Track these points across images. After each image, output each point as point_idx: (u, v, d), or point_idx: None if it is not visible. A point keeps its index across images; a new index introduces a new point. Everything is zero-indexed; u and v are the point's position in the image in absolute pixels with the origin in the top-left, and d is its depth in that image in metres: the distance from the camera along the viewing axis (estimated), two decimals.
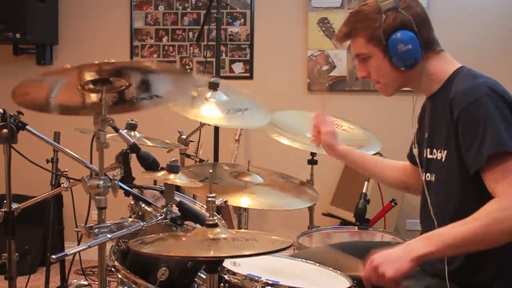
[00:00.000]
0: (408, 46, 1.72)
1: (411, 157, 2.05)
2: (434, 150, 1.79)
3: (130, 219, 1.84)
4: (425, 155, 1.84)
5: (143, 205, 2.01)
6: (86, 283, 2.60)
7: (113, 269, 1.98)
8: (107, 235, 1.66)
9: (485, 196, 1.60)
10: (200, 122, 3.06)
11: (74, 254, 1.70)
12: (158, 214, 1.89)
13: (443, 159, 1.75)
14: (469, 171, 1.63)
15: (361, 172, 2.22)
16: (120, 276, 1.96)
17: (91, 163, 1.95)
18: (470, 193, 1.67)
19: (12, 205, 2.03)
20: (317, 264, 2.01)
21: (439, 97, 1.77)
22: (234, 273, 1.79)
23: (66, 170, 2.33)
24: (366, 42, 1.79)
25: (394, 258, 1.57)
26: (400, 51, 1.72)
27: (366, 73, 1.84)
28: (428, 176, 1.82)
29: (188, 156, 3.12)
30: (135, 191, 1.98)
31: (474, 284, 1.70)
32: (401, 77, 1.79)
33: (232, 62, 4.43)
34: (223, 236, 1.56)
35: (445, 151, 1.74)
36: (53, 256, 1.54)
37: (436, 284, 1.74)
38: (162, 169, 1.89)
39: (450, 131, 1.69)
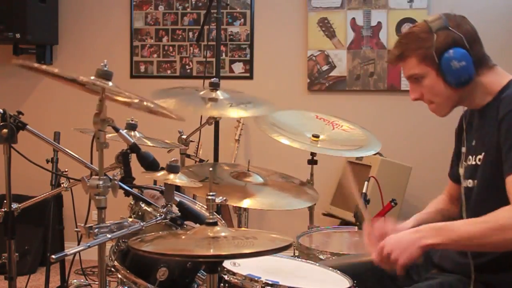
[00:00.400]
0: (461, 63, 1.72)
1: (455, 176, 1.99)
2: (480, 156, 1.78)
3: (130, 219, 1.84)
4: (470, 162, 1.83)
5: (143, 205, 2.01)
6: (86, 283, 2.61)
7: (113, 269, 1.98)
8: (107, 235, 1.66)
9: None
10: (200, 122, 3.06)
11: (74, 254, 1.70)
12: (158, 214, 1.89)
13: (480, 163, 1.76)
14: (503, 174, 1.64)
15: None
16: (120, 276, 1.96)
17: (91, 163, 1.95)
18: (501, 199, 1.66)
19: (12, 205, 2.03)
20: (317, 264, 2.01)
21: (491, 109, 1.77)
22: (234, 273, 1.79)
23: (66, 170, 2.33)
24: (418, 62, 1.78)
25: (404, 245, 1.63)
26: (454, 68, 1.72)
27: (419, 94, 1.83)
28: (470, 183, 1.81)
29: (188, 156, 3.12)
30: (135, 191, 1.98)
31: (497, 282, 1.71)
32: (455, 95, 1.78)
33: (232, 62, 4.43)
34: (223, 234, 1.56)
35: (483, 153, 1.75)
36: (53, 256, 1.54)
37: (451, 280, 1.75)
38: (162, 169, 1.89)
39: (493, 134, 1.70)
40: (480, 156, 1.76)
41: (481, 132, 1.80)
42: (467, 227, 1.62)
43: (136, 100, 1.71)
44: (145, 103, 1.73)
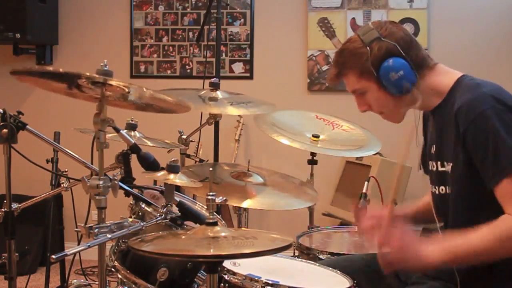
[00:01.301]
0: (399, 73, 1.71)
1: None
2: (445, 163, 1.77)
3: (130, 219, 1.84)
4: (435, 168, 1.82)
5: (143, 205, 2.01)
6: (86, 283, 2.61)
7: (113, 269, 1.98)
8: (107, 235, 1.66)
9: (497, 209, 1.61)
10: (200, 122, 3.06)
11: (74, 254, 1.70)
12: (158, 214, 1.89)
13: (449, 172, 1.74)
14: (488, 186, 1.63)
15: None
16: (120, 276, 1.96)
17: (91, 163, 1.95)
18: (481, 205, 1.67)
19: (12, 205, 2.03)
20: (317, 264, 2.01)
21: (443, 110, 1.76)
22: (234, 273, 1.79)
23: (66, 170, 2.33)
24: (358, 78, 1.79)
25: (409, 259, 1.63)
26: (393, 79, 1.72)
27: (366, 107, 1.85)
28: (442, 189, 1.80)
29: (188, 156, 3.12)
30: (135, 191, 1.98)
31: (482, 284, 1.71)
32: (401, 102, 1.78)
33: (232, 62, 4.43)
34: (223, 234, 1.56)
35: (451, 164, 1.73)
36: (53, 256, 1.54)
37: (438, 286, 1.74)
38: (162, 169, 1.89)
39: (456, 144, 1.69)
40: (448, 167, 1.74)
41: (440, 139, 1.79)
42: (472, 242, 1.59)
43: (135, 88, 1.71)
44: (145, 89, 1.72)
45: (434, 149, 1.82)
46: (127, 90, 1.72)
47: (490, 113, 1.60)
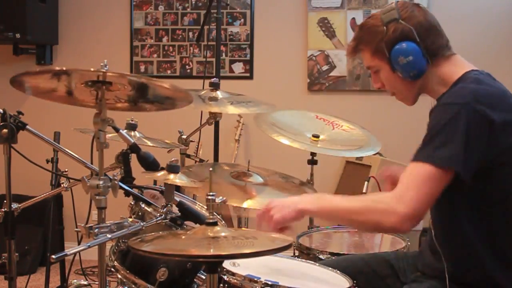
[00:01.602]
0: (408, 58, 1.72)
1: None
2: None
3: (130, 219, 1.84)
4: None
5: (143, 205, 2.01)
6: (86, 283, 2.61)
7: (113, 269, 1.98)
8: (107, 235, 1.66)
9: (476, 204, 1.63)
10: (200, 122, 3.06)
11: (74, 254, 1.70)
12: (158, 214, 1.89)
13: None
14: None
15: None
16: (120, 276, 1.96)
17: (91, 163, 1.95)
18: (459, 201, 1.67)
19: (12, 205, 2.03)
20: (317, 264, 2.01)
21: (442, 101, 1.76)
22: (233, 274, 1.79)
23: (66, 170, 2.33)
24: (372, 56, 1.81)
25: (284, 205, 1.72)
26: (402, 63, 1.73)
27: (380, 84, 1.86)
28: None
29: (188, 156, 3.12)
30: (135, 191, 1.98)
31: (475, 283, 1.71)
32: (412, 86, 1.79)
33: (232, 62, 4.43)
34: (223, 234, 1.56)
35: None
36: (53, 256, 1.54)
37: (437, 286, 1.74)
38: (162, 169, 1.89)
39: None
40: None
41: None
42: (344, 202, 1.68)
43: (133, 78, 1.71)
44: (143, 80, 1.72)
45: None
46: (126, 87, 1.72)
47: (458, 108, 1.60)
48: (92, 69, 1.62)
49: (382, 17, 1.76)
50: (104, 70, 1.60)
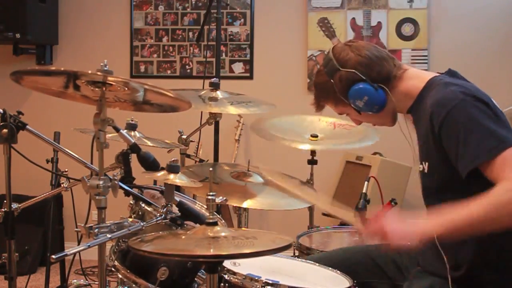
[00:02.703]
0: (364, 98, 1.80)
1: None
2: (425, 166, 1.78)
3: (130, 219, 1.84)
4: (419, 168, 1.84)
5: (143, 205, 2.01)
6: (86, 283, 2.61)
7: (113, 269, 1.98)
8: (107, 235, 1.66)
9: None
10: (200, 122, 3.06)
11: (74, 254, 1.70)
12: (158, 214, 1.89)
13: (425, 170, 1.76)
14: (462, 174, 1.62)
15: None
16: (120, 276, 1.96)
17: (91, 163, 1.95)
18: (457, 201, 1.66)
19: (12, 205, 2.03)
20: (317, 264, 2.01)
21: (416, 112, 1.80)
22: (234, 273, 1.79)
23: (66, 170, 2.33)
24: (335, 107, 1.92)
25: (403, 235, 1.60)
26: (362, 105, 1.81)
27: (358, 122, 1.96)
28: (425, 189, 1.83)
29: (188, 156, 3.12)
30: (135, 191, 1.98)
31: (475, 283, 1.71)
32: (383, 114, 1.86)
33: (232, 62, 4.43)
34: (223, 234, 1.56)
35: (427, 163, 1.75)
36: (53, 256, 1.54)
37: (439, 282, 1.75)
38: (162, 169, 1.89)
39: (431, 143, 1.70)
40: (424, 166, 1.76)
41: (419, 140, 1.82)
42: (465, 210, 1.58)
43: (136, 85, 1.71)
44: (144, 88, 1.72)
45: (417, 150, 1.84)
46: (126, 88, 1.71)
47: (461, 106, 1.62)
48: (98, 73, 1.61)
49: (326, 71, 1.85)
50: (112, 76, 1.60)
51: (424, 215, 1.72)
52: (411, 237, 1.61)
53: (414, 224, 1.63)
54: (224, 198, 1.77)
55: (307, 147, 2.71)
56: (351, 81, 1.79)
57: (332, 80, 1.82)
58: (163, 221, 1.87)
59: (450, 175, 1.67)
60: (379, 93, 1.79)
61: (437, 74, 1.81)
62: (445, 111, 1.64)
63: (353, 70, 1.79)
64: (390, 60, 1.84)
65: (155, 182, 2.57)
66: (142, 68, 4.51)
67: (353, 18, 4.25)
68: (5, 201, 2.03)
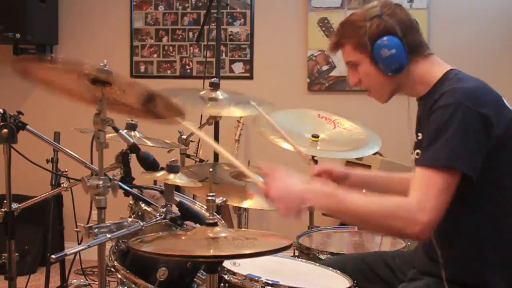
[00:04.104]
0: (392, 51, 1.75)
1: None
2: (419, 151, 1.80)
3: (130, 219, 1.84)
4: (415, 156, 1.84)
5: (143, 205, 2.01)
6: (86, 283, 2.61)
7: (113, 269, 1.98)
8: (107, 235, 1.67)
9: (471, 200, 1.64)
10: (200, 122, 3.06)
11: (74, 254, 1.71)
12: (158, 214, 1.89)
13: None
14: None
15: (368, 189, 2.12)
16: (119, 276, 1.96)
17: (91, 163, 1.95)
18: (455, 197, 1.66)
19: (12, 205, 2.03)
20: (317, 264, 2.01)
21: (427, 100, 1.78)
22: (234, 273, 1.79)
23: (66, 170, 2.33)
24: (353, 50, 1.83)
25: (289, 199, 1.66)
26: (385, 56, 1.76)
27: (357, 79, 1.87)
28: None
29: (188, 156, 3.12)
30: (135, 191, 1.98)
31: (469, 282, 1.71)
32: (390, 82, 1.82)
33: (232, 62, 4.43)
34: (223, 235, 1.56)
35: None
36: (53, 256, 1.54)
37: (434, 282, 1.75)
38: (162, 169, 1.89)
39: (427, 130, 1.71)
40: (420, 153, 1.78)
41: (425, 127, 1.80)
42: (359, 202, 1.63)
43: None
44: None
45: (420, 137, 1.84)
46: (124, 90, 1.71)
47: (454, 109, 1.62)
48: (111, 75, 1.60)
49: (365, 14, 1.81)
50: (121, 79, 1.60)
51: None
52: (295, 204, 1.65)
53: (301, 189, 1.67)
54: (224, 199, 1.77)
55: (308, 151, 2.70)
56: (387, 31, 1.76)
57: (367, 23, 1.78)
58: (163, 221, 1.87)
59: None
60: (405, 56, 1.76)
61: (454, 68, 1.81)
62: (441, 103, 1.65)
63: (395, 24, 1.76)
64: (423, 39, 1.84)
65: (155, 182, 2.57)
66: (142, 68, 4.51)
67: None
68: (5, 201, 2.03)
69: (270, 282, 1.73)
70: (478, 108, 1.62)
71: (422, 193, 1.59)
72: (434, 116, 1.66)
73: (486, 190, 1.66)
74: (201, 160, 3.21)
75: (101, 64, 1.65)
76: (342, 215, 1.73)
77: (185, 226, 1.90)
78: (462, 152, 1.59)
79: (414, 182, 1.62)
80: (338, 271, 1.90)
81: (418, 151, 1.82)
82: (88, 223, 1.67)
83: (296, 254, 2.45)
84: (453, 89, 1.67)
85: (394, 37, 1.75)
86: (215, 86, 2.80)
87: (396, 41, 1.75)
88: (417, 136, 1.86)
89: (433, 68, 1.80)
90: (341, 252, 2.37)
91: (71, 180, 2.24)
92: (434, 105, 1.67)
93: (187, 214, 1.92)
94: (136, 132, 2.50)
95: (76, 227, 1.68)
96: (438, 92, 1.70)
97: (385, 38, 1.75)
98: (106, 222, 1.70)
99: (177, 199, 1.93)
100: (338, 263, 2.01)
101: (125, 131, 2.24)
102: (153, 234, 1.73)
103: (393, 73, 1.78)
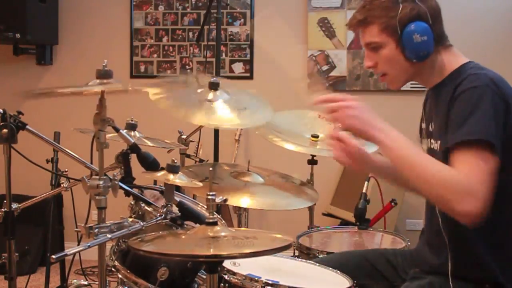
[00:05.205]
0: (423, 37, 1.71)
1: None
2: (433, 140, 1.79)
3: (130, 219, 1.84)
4: (428, 145, 1.83)
5: (143, 205, 2.01)
6: (86, 283, 2.61)
7: (113, 269, 1.98)
8: (107, 235, 1.66)
9: None
10: None
11: (74, 254, 1.70)
12: (158, 214, 1.89)
13: (437, 150, 1.75)
14: (448, 146, 1.62)
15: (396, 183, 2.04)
16: (120, 276, 1.96)
17: (91, 163, 1.95)
18: None
19: (12, 205, 2.03)
20: (317, 264, 2.01)
21: (444, 88, 1.76)
22: (234, 273, 1.79)
23: (66, 170, 2.33)
24: (380, 31, 1.77)
25: (362, 122, 1.67)
26: (416, 41, 1.72)
27: (374, 63, 1.82)
28: None
29: (188, 156, 3.12)
30: (135, 191, 1.98)
31: (474, 277, 1.71)
32: (411, 69, 1.78)
33: (232, 62, 4.43)
34: (223, 234, 1.56)
35: (439, 141, 1.74)
36: (53, 256, 1.54)
37: (438, 281, 1.75)
38: (162, 169, 1.89)
39: (446, 119, 1.69)
40: (437, 144, 1.76)
41: (436, 118, 1.80)
42: (423, 161, 1.60)
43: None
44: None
45: (432, 127, 1.83)
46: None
47: (482, 90, 1.61)
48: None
49: None
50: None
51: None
52: (365, 129, 1.65)
53: (376, 122, 1.68)
54: (224, 198, 1.76)
55: (308, 151, 2.70)
56: (419, 16, 1.72)
57: (399, 5, 1.73)
58: (163, 221, 1.87)
59: None
60: (432, 44, 1.74)
61: (472, 61, 1.80)
62: (466, 86, 1.64)
63: (427, 10, 1.73)
64: (444, 29, 1.82)
65: (155, 182, 2.57)
66: (142, 68, 4.51)
67: None
68: (5, 201, 2.03)
69: (270, 282, 1.73)
70: (501, 94, 1.62)
71: (471, 168, 1.55)
72: (462, 98, 1.63)
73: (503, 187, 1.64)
74: (201, 160, 3.22)
75: (102, 64, 1.65)
76: (400, 162, 1.63)
77: (185, 226, 1.90)
78: (493, 130, 1.57)
79: (461, 160, 1.57)
80: (338, 271, 1.90)
81: (428, 140, 1.80)
82: (87, 223, 1.66)
83: (296, 254, 2.45)
84: (477, 74, 1.66)
85: (425, 23, 1.72)
86: (215, 86, 2.80)
87: (427, 28, 1.72)
88: (428, 127, 1.84)
89: (452, 59, 1.79)
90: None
91: (71, 180, 2.24)
92: (457, 89, 1.66)
93: (187, 214, 1.92)
94: (136, 132, 2.50)
95: (76, 227, 1.68)
96: (459, 78, 1.69)
97: (419, 23, 1.72)
98: (106, 222, 1.70)
99: (177, 199, 1.93)
100: (339, 260, 2.01)
101: (125, 131, 2.23)
102: (153, 233, 1.73)
103: (417, 60, 1.75)
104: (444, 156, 1.68)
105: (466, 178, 1.53)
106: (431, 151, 1.80)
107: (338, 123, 1.68)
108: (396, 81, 1.83)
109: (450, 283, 1.69)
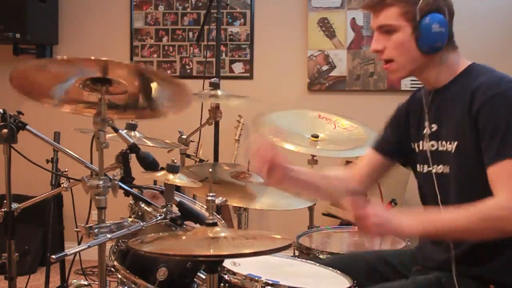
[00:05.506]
0: (441, 29, 1.72)
1: (387, 150, 2.01)
2: (444, 142, 1.77)
3: (130, 219, 1.84)
4: (435, 147, 1.81)
5: (143, 205, 2.01)
6: (86, 283, 2.61)
7: (112, 269, 1.98)
8: (107, 235, 1.66)
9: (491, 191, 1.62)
10: (200, 122, 3.06)
11: (74, 254, 1.70)
12: (158, 214, 1.89)
13: (452, 151, 1.74)
14: (484, 163, 1.64)
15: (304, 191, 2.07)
16: (119, 276, 1.96)
17: (91, 163, 1.95)
18: (486, 186, 1.66)
19: (12, 205, 2.03)
20: (317, 264, 2.01)
21: (451, 89, 1.77)
22: (234, 273, 1.79)
23: (66, 170, 2.33)
24: (398, 14, 1.75)
25: (386, 227, 1.62)
26: (434, 31, 1.71)
27: (382, 46, 1.79)
28: (440, 169, 1.79)
29: (188, 156, 3.12)
30: (135, 191, 1.98)
31: (480, 275, 1.71)
32: (419, 60, 1.77)
33: (232, 62, 4.43)
34: (223, 234, 1.56)
35: (455, 143, 1.73)
36: (53, 256, 1.54)
37: (444, 275, 1.75)
38: (162, 169, 1.89)
39: (464, 122, 1.69)
40: (451, 146, 1.74)
41: (444, 119, 1.79)
42: (455, 217, 1.61)
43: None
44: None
45: (435, 128, 1.81)
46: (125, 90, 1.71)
47: (509, 94, 1.64)
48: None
49: None
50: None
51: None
52: (391, 232, 1.66)
53: (398, 220, 1.64)
54: (224, 199, 1.76)
55: (308, 151, 2.70)
56: (437, 9, 1.73)
57: None
58: (163, 221, 1.87)
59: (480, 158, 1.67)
60: (446, 39, 1.75)
61: (475, 62, 1.82)
62: (491, 93, 1.65)
63: (446, 6, 1.74)
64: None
65: (155, 182, 2.58)
66: None
67: (353, 18, 4.25)
68: (5, 201, 2.03)
69: (270, 282, 1.73)
70: None
71: (510, 187, 1.58)
72: (490, 106, 1.65)
73: None
74: (201, 160, 3.22)
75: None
76: (438, 235, 1.69)
77: (185, 226, 1.90)
78: None
79: (496, 179, 1.61)
80: (338, 271, 1.90)
81: (433, 142, 1.80)
82: (87, 223, 1.66)
83: (296, 254, 2.45)
84: (498, 77, 1.70)
85: (443, 17, 1.74)
86: (215, 86, 2.80)
87: (446, 22, 1.73)
88: (430, 127, 1.83)
89: (458, 59, 1.81)
90: (341, 252, 2.37)
91: (71, 180, 2.24)
92: (476, 92, 1.67)
93: (187, 214, 1.92)
94: (136, 132, 2.50)
95: (76, 227, 1.68)
96: (472, 80, 1.71)
97: (436, 14, 1.72)
98: (106, 222, 1.70)
99: (177, 199, 1.93)
100: (339, 262, 2.01)
101: (125, 131, 2.24)
102: (153, 234, 1.73)
103: (429, 52, 1.75)
104: (459, 156, 1.71)
105: (501, 196, 1.58)
106: (439, 153, 1.79)
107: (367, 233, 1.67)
108: (400, 70, 1.80)
109: (455, 279, 1.69)
